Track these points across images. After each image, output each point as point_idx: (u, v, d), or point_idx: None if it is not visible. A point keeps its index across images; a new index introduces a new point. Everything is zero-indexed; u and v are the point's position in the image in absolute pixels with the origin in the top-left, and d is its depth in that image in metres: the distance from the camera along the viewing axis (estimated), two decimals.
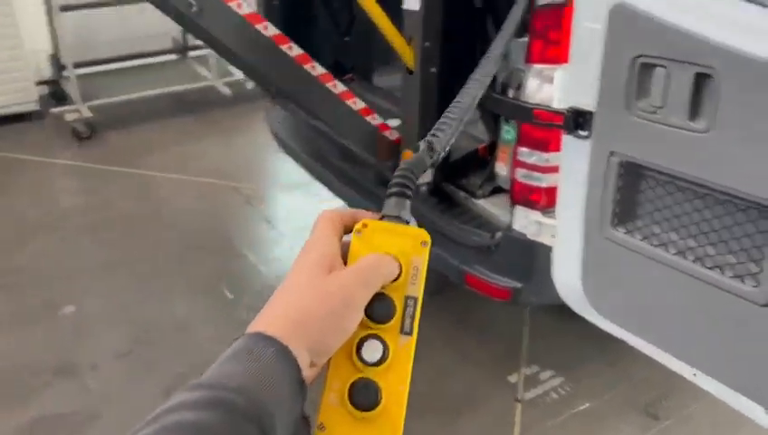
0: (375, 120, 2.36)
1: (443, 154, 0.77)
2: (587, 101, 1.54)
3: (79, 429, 2.40)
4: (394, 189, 0.63)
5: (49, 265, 3.37)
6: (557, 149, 1.74)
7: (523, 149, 1.92)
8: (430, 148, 0.75)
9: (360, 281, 0.56)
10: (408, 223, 0.62)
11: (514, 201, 2.02)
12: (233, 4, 1.95)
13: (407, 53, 2.15)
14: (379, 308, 0.57)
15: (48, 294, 3.13)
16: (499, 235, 2.12)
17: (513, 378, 2.60)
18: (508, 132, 2.03)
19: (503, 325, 2.92)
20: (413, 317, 0.58)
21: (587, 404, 2.48)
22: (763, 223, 1.26)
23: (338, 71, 2.79)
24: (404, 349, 0.58)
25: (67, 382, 2.60)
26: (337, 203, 3.55)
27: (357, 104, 2.31)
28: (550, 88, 1.75)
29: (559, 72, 1.71)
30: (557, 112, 1.68)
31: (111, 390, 2.58)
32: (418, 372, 0.59)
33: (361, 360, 0.57)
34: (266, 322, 0.53)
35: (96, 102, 5.07)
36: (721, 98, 1.26)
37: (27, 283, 3.23)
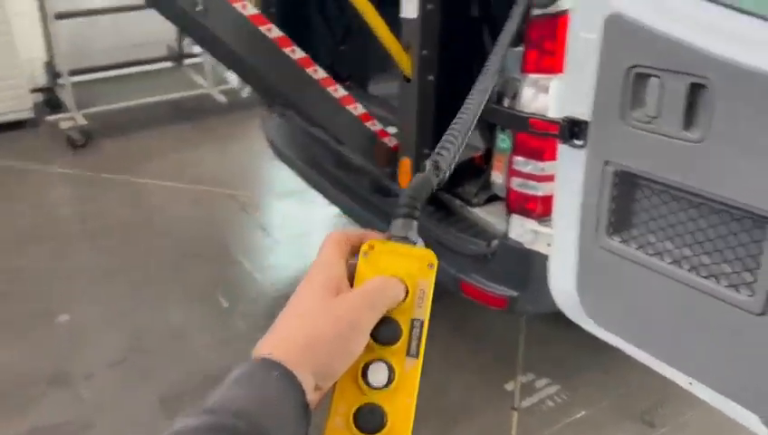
0: (374, 126, 2.36)
1: (449, 172, 0.77)
2: (582, 111, 1.55)
3: None
4: (401, 210, 0.63)
5: (44, 274, 3.36)
6: (552, 158, 1.75)
7: (519, 159, 1.93)
8: (436, 167, 0.75)
9: (366, 304, 0.56)
10: (415, 244, 0.62)
11: (510, 210, 2.03)
12: (238, 5, 1.95)
13: (404, 61, 2.15)
14: (385, 331, 0.57)
15: (43, 302, 3.12)
16: (495, 243, 2.12)
17: (509, 386, 2.60)
18: (503, 141, 2.04)
19: (498, 333, 2.92)
20: (419, 340, 0.58)
21: (583, 412, 2.48)
22: (757, 232, 1.27)
23: (334, 79, 2.80)
24: (410, 372, 0.58)
25: (61, 392, 2.59)
26: (332, 210, 3.55)
27: (357, 110, 2.31)
28: (545, 97, 1.75)
29: (554, 82, 1.71)
30: (552, 122, 1.69)
31: (105, 399, 2.57)
32: None
33: (367, 383, 0.57)
34: (272, 344, 0.53)
35: (91, 110, 5.06)
36: (715, 108, 1.26)
37: (22, 291, 3.22)
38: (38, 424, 2.44)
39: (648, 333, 1.57)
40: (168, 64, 5.94)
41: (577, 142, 1.58)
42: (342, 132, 2.37)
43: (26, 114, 5.10)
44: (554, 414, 2.47)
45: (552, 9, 1.65)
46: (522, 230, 2.01)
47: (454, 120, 0.90)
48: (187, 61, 5.82)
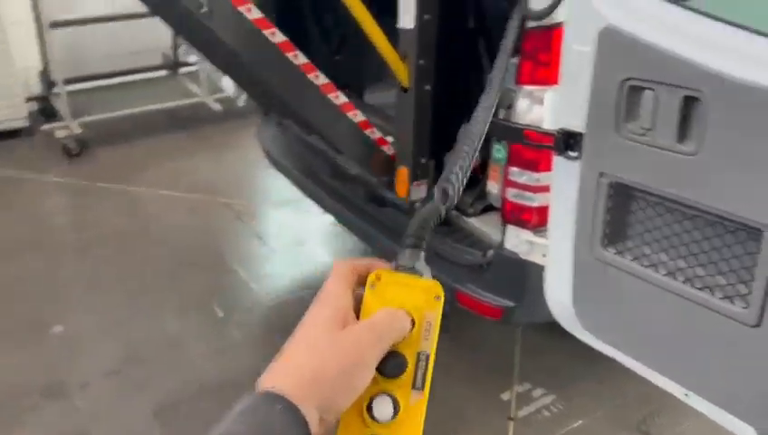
0: (374, 133, 2.37)
1: (457, 198, 0.77)
2: (577, 123, 1.55)
3: None
4: (409, 240, 0.63)
5: (38, 284, 3.35)
6: (548, 169, 1.76)
7: (514, 169, 1.93)
8: (445, 194, 0.75)
9: (372, 339, 0.56)
10: (422, 275, 0.62)
11: (506, 220, 2.03)
12: (242, 8, 1.96)
13: (401, 70, 2.16)
14: (390, 364, 0.57)
15: (37, 312, 3.11)
16: (491, 253, 2.12)
17: (505, 396, 2.59)
18: (499, 151, 2.04)
19: (494, 343, 2.92)
20: (425, 373, 0.58)
21: (579, 422, 2.48)
22: (751, 245, 1.27)
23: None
24: (415, 406, 0.58)
25: (56, 402, 2.57)
26: (328, 219, 3.56)
27: (357, 117, 2.31)
28: (540, 109, 1.76)
29: (549, 94, 1.72)
30: (547, 133, 1.70)
31: (101, 409, 2.56)
32: None
33: (372, 417, 0.57)
34: (276, 377, 0.53)
35: (86, 119, 5.05)
36: (709, 121, 1.27)
37: (16, 301, 3.21)
38: None
39: (644, 345, 1.58)
40: (163, 73, 5.93)
41: (572, 154, 1.59)
42: (341, 140, 2.37)
43: (21, 123, 5.09)
44: (550, 424, 2.47)
45: (546, 21, 1.65)
46: (517, 241, 2.02)
47: (459, 144, 0.90)
48: (183, 69, 5.82)
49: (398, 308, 0.58)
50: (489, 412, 2.53)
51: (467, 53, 2.42)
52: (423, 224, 0.65)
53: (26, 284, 3.35)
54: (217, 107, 5.37)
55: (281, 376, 0.54)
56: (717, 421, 1.45)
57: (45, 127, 5.07)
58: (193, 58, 4.94)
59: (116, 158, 4.85)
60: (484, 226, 2.26)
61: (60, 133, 4.92)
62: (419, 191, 2.35)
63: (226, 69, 2.58)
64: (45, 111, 5.36)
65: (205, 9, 1.87)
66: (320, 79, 2.18)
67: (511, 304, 2.09)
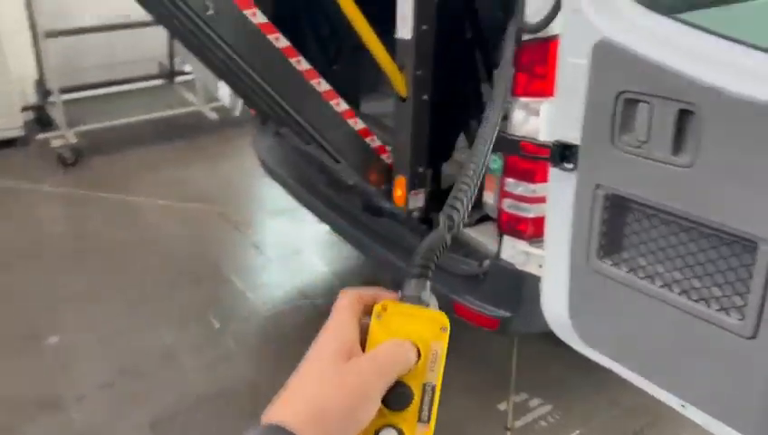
0: (374, 141, 2.37)
1: (463, 224, 0.77)
2: (573, 135, 1.56)
3: None
4: (415, 270, 0.63)
5: (33, 294, 3.34)
6: (544, 179, 1.76)
7: (510, 180, 1.94)
8: (450, 220, 0.75)
9: (377, 371, 0.56)
10: (428, 305, 0.61)
11: (502, 231, 2.04)
12: (248, 12, 1.96)
13: (399, 80, 2.17)
14: (396, 396, 0.57)
15: (32, 324, 3.10)
16: (487, 263, 2.13)
17: (502, 406, 2.59)
18: (494, 162, 2.05)
19: (491, 353, 2.92)
20: (431, 405, 0.58)
21: (576, 432, 2.48)
22: (746, 257, 1.28)
23: None
24: None
25: (51, 415, 2.56)
26: (324, 228, 3.56)
27: (358, 125, 2.32)
28: (536, 120, 1.77)
29: (545, 106, 1.73)
30: (543, 145, 1.70)
31: (96, 421, 2.55)
32: None
33: None
34: (281, 411, 0.53)
35: (82, 128, 5.05)
36: (703, 134, 1.28)
37: (10, 312, 3.20)
38: None
39: (640, 356, 1.58)
40: (159, 82, 5.95)
41: (567, 166, 1.59)
42: (341, 147, 2.37)
43: (17, 132, 5.09)
44: (547, 434, 2.47)
45: (542, 34, 1.66)
46: (513, 251, 2.02)
47: (465, 168, 0.89)
48: (179, 78, 5.83)
49: (403, 339, 0.58)
50: (486, 423, 2.52)
51: (464, 63, 2.43)
52: (428, 253, 0.65)
53: (21, 294, 3.34)
54: (213, 116, 5.38)
55: (286, 409, 0.54)
56: (714, 433, 1.45)
57: (41, 136, 5.07)
58: (189, 67, 4.96)
59: (112, 167, 4.85)
60: (480, 236, 2.26)
61: (55, 142, 4.92)
62: (417, 200, 2.36)
63: (226, 75, 2.58)
64: (41, 120, 5.37)
65: (210, 12, 1.87)
66: (322, 85, 2.19)
67: (507, 314, 2.09)
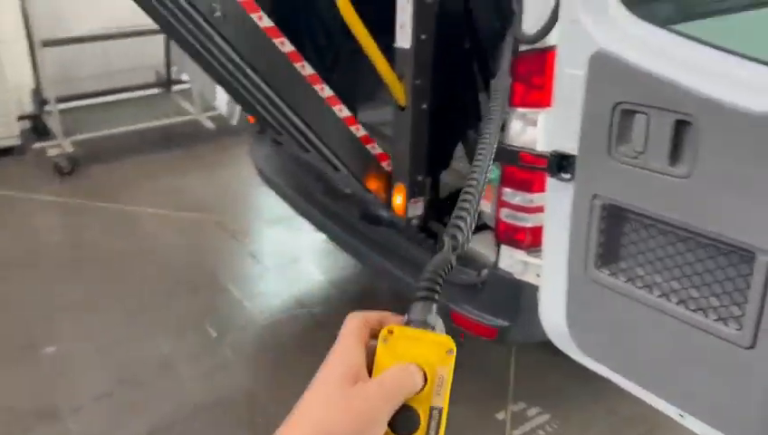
0: (375, 148, 2.38)
1: (467, 244, 0.77)
2: (570, 145, 1.57)
3: None
4: (421, 293, 0.63)
5: (29, 304, 3.33)
6: (541, 189, 1.77)
7: (507, 190, 1.94)
8: (454, 240, 0.75)
9: (383, 396, 0.56)
10: (434, 328, 0.62)
11: (499, 240, 2.04)
12: (254, 16, 1.97)
13: (398, 89, 2.18)
14: (403, 420, 0.57)
15: (28, 333, 3.08)
16: (485, 272, 2.13)
17: (500, 415, 2.59)
18: (492, 171, 2.05)
19: (489, 362, 2.92)
20: (438, 428, 0.58)
21: None
22: (744, 267, 1.28)
23: None
24: None
25: (48, 426, 2.55)
26: (321, 237, 3.56)
27: (360, 131, 2.32)
28: (533, 131, 1.77)
29: (542, 116, 1.73)
30: (540, 155, 1.71)
31: (94, 432, 2.54)
32: None
33: None
34: None
35: (78, 137, 5.04)
36: (700, 145, 1.29)
37: (6, 322, 3.18)
38: None
39: (638, 365, 1.58)
40: (156, 91, 5.95)
41: (565, 176, 1.59)
42: (343, 153, 2.37)
43: (13, 141, 5.08)
44: None
45: (539, 44, 1.67)
46: (511, 261, 2.03)
47: (466, 185, 0.89)
48: (175, 87, 5.83)
49: (409, 363, 0.59)
50: (484, 432, 2.52)
51: (463, 72, 2.44)
52: (434, 276, 0.65)
53: (17, 303, 3.33)
54: (210, 125, 5.38)
55: (293, 433, 0.54)
56: None
57: (37, 145, 5.06)
58: (186, 76, 4.97)
59: (108, 176, 4.85)
60: (478, 245, 2.26)
61: (52, 151, 4.91)
62: (416, 208, 2.36)
63: (225, 81, 2.57)
64: (37, 129, 5.36)
65: (218, 14, 1.88)
66: (325, 91, 2.19)
67: (505, 323, 2.09)
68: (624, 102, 1.40)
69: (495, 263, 2.07)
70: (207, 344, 3.02)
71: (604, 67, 1.43)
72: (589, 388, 2.66)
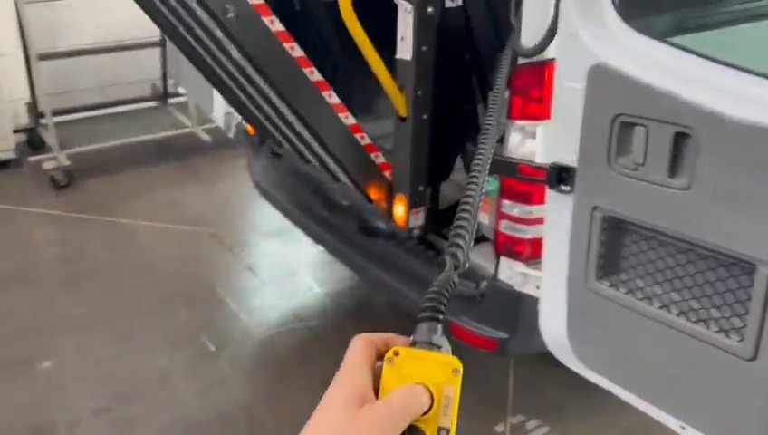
0: (378, 158, 2.38)
1: (468, 262, 0.77)
2: (569, 157, 1.57)
3: None
4: (425, 314, 0.63)
5: (25, 319, 3.31)
6: (541, 201, 1.77)
7: (506, 202, 1.95)
8: (455, 259, 0.75)
9: (390, 417, 0.56)
10: (440, 348, 0.62)
11: (498, 252, 2.04)
12: (266, 19, 1.97)
13: (399, 100, 2.19)
14: None
15: (24, 348, 3.06)
16: (484, 284, 2.13)
17: (499, 428, 2.58)
18: (490, 183, 2.06)
19: (488, 374, 2.91)
20: None
21: None
22: (744, 279, 1.28)
23: None
24: None
25: None
26: (319, 249, 3.55)
27: (364, 139, 2.33)
28: (532, 143, 1.78)
29: (541, 128, 1.74)
30: (539, 168, 1.71)
31: None
32: None
33: None
34: None
35: (74, 150, 5.04)
36: (699, 157, 1.29)
37: (2, 337, 3.16)
38: None
39: (639, 377, 1.58)
40: (153, 104, 5.95)
41: (564, 188, 1.60)
42: (346, 161, 2.37)
43: (9, 155, 5.08)
44: None
45: (538, 57, 1.68)
46: (510, 272, 2.03)
47: (463, 198, 0.89)
48: (172, 100, 5.84)
49: (415, 384, 0.59)
50: None
51: (463, 84, 2.45)
52: (438, 296, 0.65)
53: (13, 317, 3.31)
54: (207, 138, 5.38)
55: None
56: None
57: (33, 158, 5.05)
58: (182, 89, 4.97)
59: (104, 189, 4.84)
60: (477, 257, 2.26)
61: (48, 165, 4.90)
62: (417, 219, 2.37)
63: (226, 88, 2.57)
64: (33, 142, 5.36)
65: (231, 15, 1.88)
66: (333, 98, 2.20)
67: (505, 335, 2.09)
68: (623, 115, 1.41)
69: (495, 275, 2.07)
70: (205, 358, 3.00)
71: (603, 80, 1.44)
72: (589, 400, 2.65)
